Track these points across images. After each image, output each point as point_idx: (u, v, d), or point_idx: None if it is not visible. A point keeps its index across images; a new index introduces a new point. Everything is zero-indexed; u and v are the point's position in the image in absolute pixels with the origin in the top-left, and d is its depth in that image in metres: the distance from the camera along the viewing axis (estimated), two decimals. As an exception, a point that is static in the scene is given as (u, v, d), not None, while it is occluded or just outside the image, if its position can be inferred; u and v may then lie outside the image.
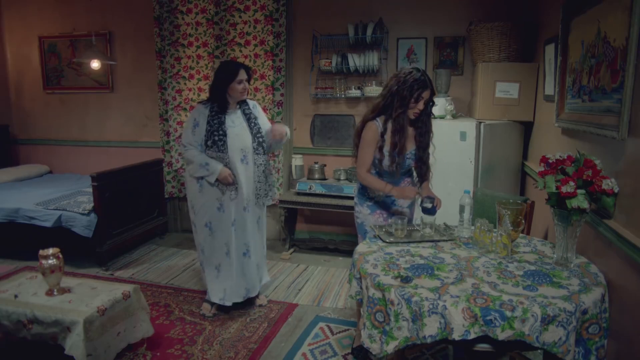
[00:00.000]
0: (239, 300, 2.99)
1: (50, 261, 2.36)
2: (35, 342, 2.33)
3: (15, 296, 2.40)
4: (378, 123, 2.37)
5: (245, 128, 2.89)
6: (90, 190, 3.78)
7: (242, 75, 2.79)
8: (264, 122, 3.02)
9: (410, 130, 2.41)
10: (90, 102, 5.08)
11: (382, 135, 2.36)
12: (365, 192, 2.52)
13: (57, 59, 5.09)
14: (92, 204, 3.72)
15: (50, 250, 2.38)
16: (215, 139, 2.79)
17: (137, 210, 4.27)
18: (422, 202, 2.31)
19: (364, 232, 2.51)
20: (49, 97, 5.21)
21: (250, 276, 3.01)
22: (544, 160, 1.86)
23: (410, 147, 2.42)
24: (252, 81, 3.02)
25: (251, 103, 3.01)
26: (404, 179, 2.51)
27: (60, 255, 2.41)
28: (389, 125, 2.35)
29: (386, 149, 2.37)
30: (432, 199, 2.30)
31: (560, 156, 1.83)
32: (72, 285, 2.51)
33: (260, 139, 2.91)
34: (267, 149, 2.99)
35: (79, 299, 2.35)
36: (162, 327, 2.84)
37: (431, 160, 2.51)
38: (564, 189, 1.70)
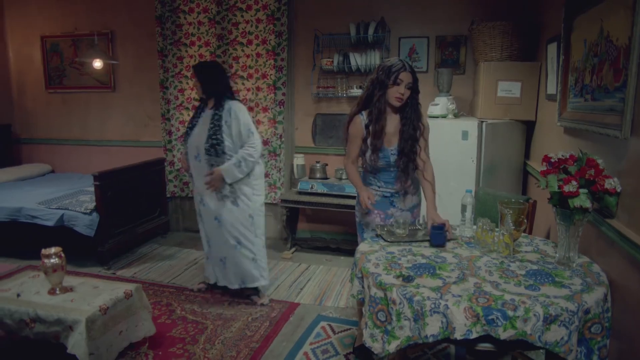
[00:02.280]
0: (211, 282, 3.30)
1: (52, 260, 2.37)
2: (37, 341, 2.33)
3: (18, 295, 2.40)
4: (362, 116, 2.36)
5: (206, 129, 2.96)
6: (92, 189, 3.78)
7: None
8: (236, 128, 2.94)
9: (398, 125, 2.36)
10: (92, 102, 5.09)
11: (367, 126, 2.34)
12: None
13: (59, 59, 5.09)
14: (94, 203, 3.73)
15: (53, 249, 2.39)
16: (185, 132, 3.17)
17: (139, 209, 4.27)
18: (431, 228, 2.09)
19: (361, 231, 2.51)
20: (51, 97, 5.22)
21: (214, 265, 3.23)
22: (546, 159, 1.86)
23: (396, 142, 2.36)
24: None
25: (227, 106, 2.96)
26: (404, 179, 2.40)
27: (63, 254, 2.42)
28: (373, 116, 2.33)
29: (370, 140, 2.34)
30: (441, 227, 2.05)
31: (562, 155, 1.83)
32: (74, 284, 2.52)
33: (214, 142, 2.91)
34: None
35: (81, 298, 2.36)
36: (163, 326, 2.85)
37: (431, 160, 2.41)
38: (566, 189, 1.69)
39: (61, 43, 5.05)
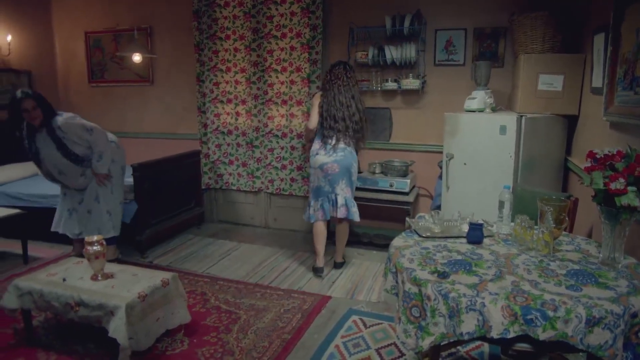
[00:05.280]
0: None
1: (94, 247, 2.47)
2: (82, 324, 2.44)
3: (64, 280, 2.52)
4: None
5: (54, 151, 3.30)
6: (131, 180, 3.90)
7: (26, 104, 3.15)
8: (75, 135, 3.32)
9: None
10: (130, 95, 5.25)
11: None
12: None
13: (101, 54, 5.27)
14: (132, 193, 3.85)
15: (95, 237, 2.49)
16: (33, 159, 3.46)
17: (175, 200, 4.39)
18: (469, 225, 2.07)
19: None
20: (93, 90, 5.41)
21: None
22: (591, 155, 1.78)
23: None
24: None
25: (56, 125, 3.26)
26: None
27: (104, 242, 2.52)
28: None
29: None
30: (479, 224, 2.05)
31: (609, 151, 1.75)
32: (114, 272, 2.62)
33: (73, 158, 3.36)
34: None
35: (121, 285, 2.45)
36: (198, 314, 2.92)
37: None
38: (612, 186, 1.62)
39: (103, 38, 5.22)
